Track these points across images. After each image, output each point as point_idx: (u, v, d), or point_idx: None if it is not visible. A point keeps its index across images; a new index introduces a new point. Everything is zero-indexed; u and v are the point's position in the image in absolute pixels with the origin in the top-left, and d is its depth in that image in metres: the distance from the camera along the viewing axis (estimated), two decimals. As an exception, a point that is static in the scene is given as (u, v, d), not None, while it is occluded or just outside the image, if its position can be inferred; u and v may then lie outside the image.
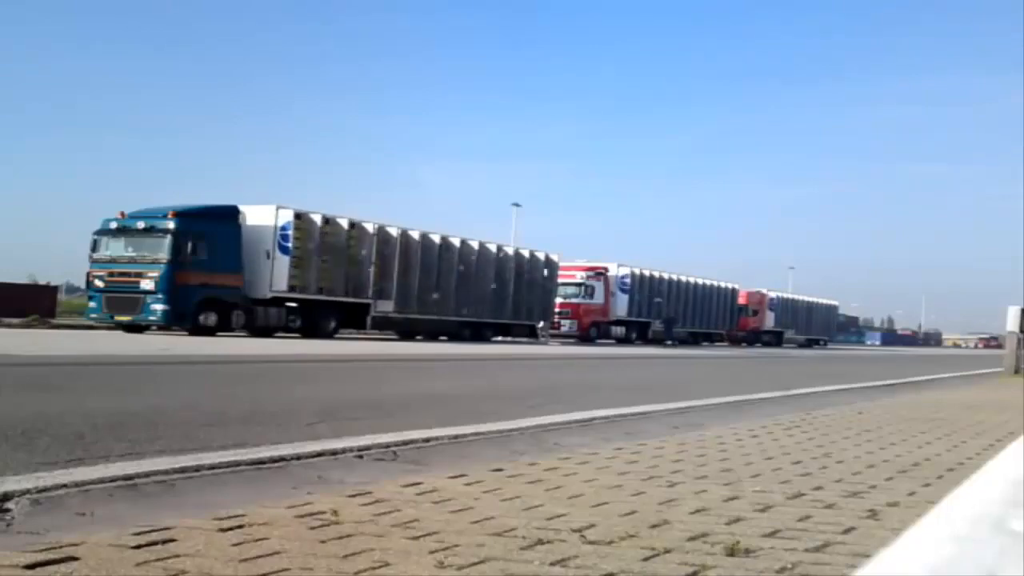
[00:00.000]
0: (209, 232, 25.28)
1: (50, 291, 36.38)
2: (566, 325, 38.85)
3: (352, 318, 28.62)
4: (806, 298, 60.63)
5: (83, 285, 27.51)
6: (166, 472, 3.63)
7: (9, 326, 25.55)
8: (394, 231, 30.06)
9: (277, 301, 26.65)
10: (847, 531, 2.82)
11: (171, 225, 24.73)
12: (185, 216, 25.14)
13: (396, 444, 4.68)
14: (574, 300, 39.30)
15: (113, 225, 25.64)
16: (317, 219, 27.59)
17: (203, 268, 25.00)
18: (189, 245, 24.83)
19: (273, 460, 4.07)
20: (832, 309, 65.44)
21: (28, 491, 3.12)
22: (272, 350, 17.46)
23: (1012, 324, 16.20)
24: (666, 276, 44.59)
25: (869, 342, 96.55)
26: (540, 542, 2.54)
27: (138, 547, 2.36)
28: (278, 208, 26.75)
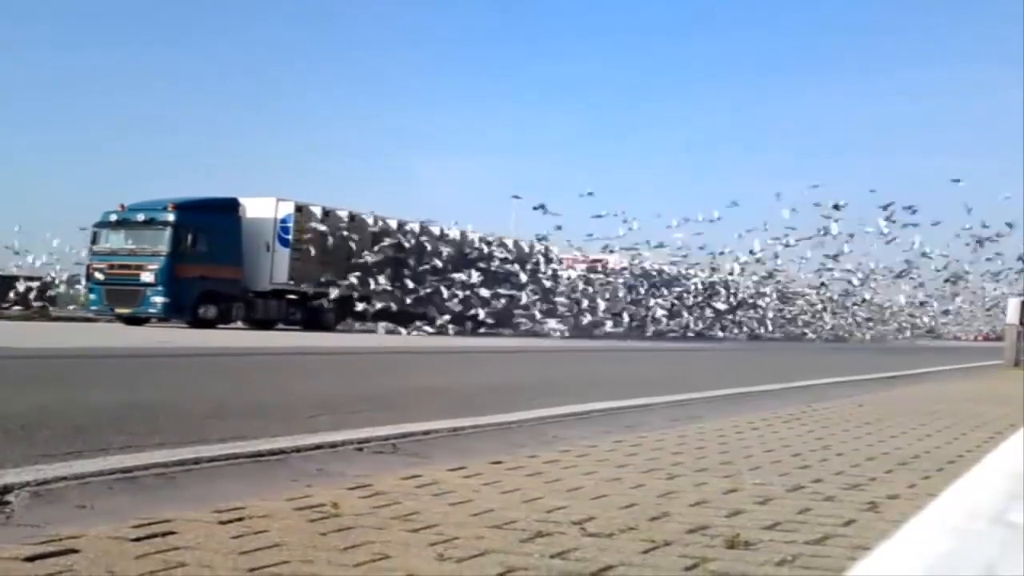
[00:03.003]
0: (209, 224, 25.25)
1: (50, 283, 36.33)
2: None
3: (352, 311, 28.60)
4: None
5: (83, 278, 27.50)
6: (165, 465, 3.63)
7: (8, 318, 25.55)
8: (393, 223, 30.06)
9: (277, 293, 26.65)
10: (847, 523, 2.82)
11: (171, 217, 24.70)
12: (185, 208, 25.11)
13: (396, 437, 4.68)
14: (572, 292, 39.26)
15: (113, 218, 25.62)
16: (317, 211, 27.58)
17: (203, 261, 24.97)
18: (189, 237, 24.80)
19: (273, 453, 4.07)
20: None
21: (28, 484, 3.12)
22: (272, 343, 17.46)
23: (1012, 317, 16.18)
24: (665, 269, 44.50)
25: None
26: (540, 534, 2.54)
27: (138, 540, 2.36)
28: (278, 201, 26.72)
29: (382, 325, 28.37)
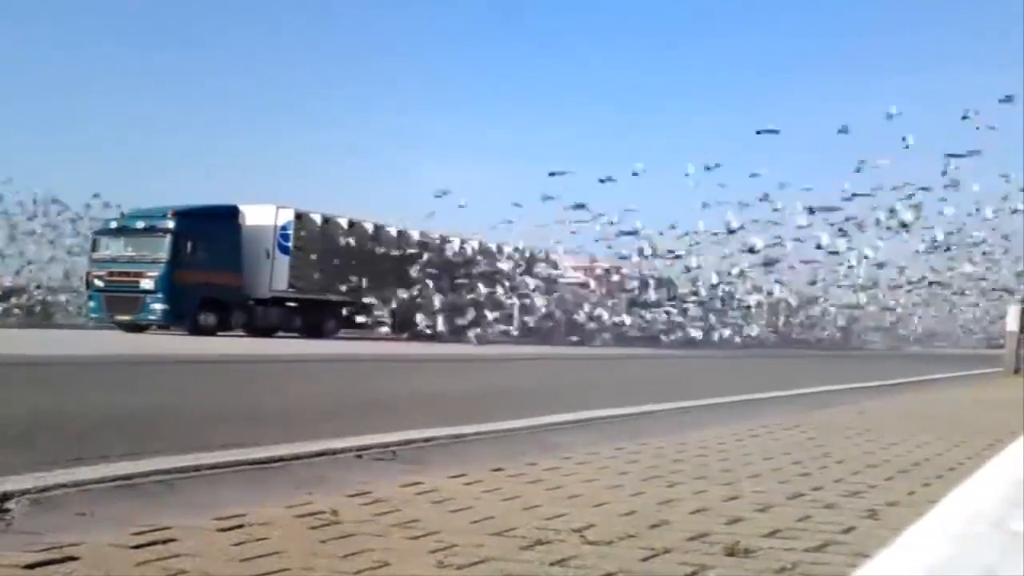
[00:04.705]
0: (209, 232, 25.26)
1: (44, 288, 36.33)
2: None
3: (352, 318, 28.61)
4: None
5: (83, 284, 27.51)
6: (166, 472, 3.63)
7: (8, 325, 25.54)
8: (393, 231, 30.08)
9: (277, 301, 26.66)
10: (847, 531, 2.82)
11: (171, 225, 24.71)
12: (185, 216, 25.12)
13: (396, 444, 4.67)
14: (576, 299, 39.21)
15: (113, 225, 25.66)
16: (317, 219, 27.61)
17: (203, 268, 24.97)
18: (189, 245, 24.81)
19: (273, 460, 4.06)
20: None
21: (28, 491, 3.12)
22: (272, 350, 17.45)
23: (1012, 323, 16.17)
24: (667, 276, 44.46)
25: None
26: (540, 542, 2.54)
27: (138, 547, 2.36)
28: (278, 208, 26.76)
29: (382, 332, 28.37)
